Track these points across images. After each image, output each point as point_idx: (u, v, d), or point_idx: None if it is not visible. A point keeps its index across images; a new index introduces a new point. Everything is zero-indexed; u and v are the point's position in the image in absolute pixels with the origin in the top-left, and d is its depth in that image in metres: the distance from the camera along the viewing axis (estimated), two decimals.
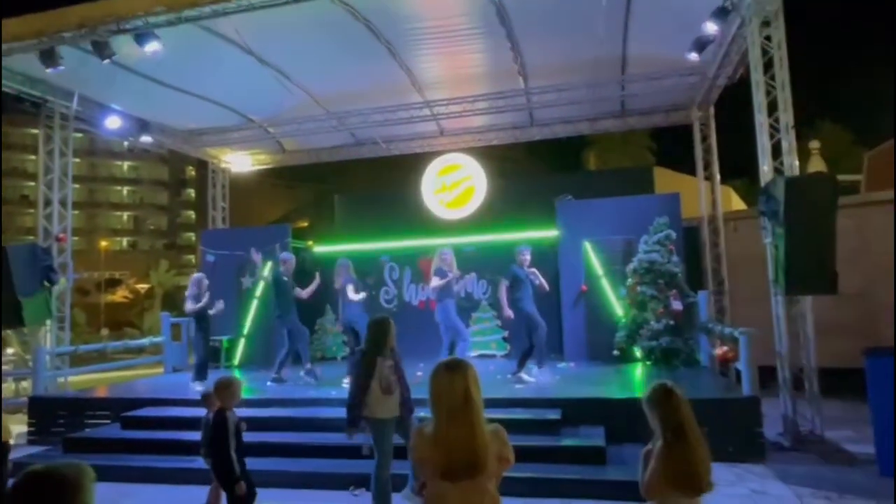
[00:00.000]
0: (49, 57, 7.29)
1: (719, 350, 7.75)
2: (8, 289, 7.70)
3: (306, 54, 8.58)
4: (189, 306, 8.03)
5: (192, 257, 51.91)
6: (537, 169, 29.43)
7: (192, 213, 60.40)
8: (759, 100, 6.69)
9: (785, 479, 5.30)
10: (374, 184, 25.02)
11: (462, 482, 2.21)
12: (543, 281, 7.74)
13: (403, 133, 11.68)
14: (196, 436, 4.89)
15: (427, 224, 10.86)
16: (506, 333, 10.18)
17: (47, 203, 9.33)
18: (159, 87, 9.12)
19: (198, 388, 7.53)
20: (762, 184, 6.54)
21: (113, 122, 9.60)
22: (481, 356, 9.98)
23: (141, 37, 7.07)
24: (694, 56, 7.86)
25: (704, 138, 10.51)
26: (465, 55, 8.88)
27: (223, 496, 4.42)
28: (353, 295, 7.75)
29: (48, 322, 8.85)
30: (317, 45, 8.30)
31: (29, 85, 8.61)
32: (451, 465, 2.21)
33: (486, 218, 10.58)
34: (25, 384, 10.84)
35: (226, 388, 4.27)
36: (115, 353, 11.65)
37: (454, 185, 11.03)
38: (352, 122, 10.98)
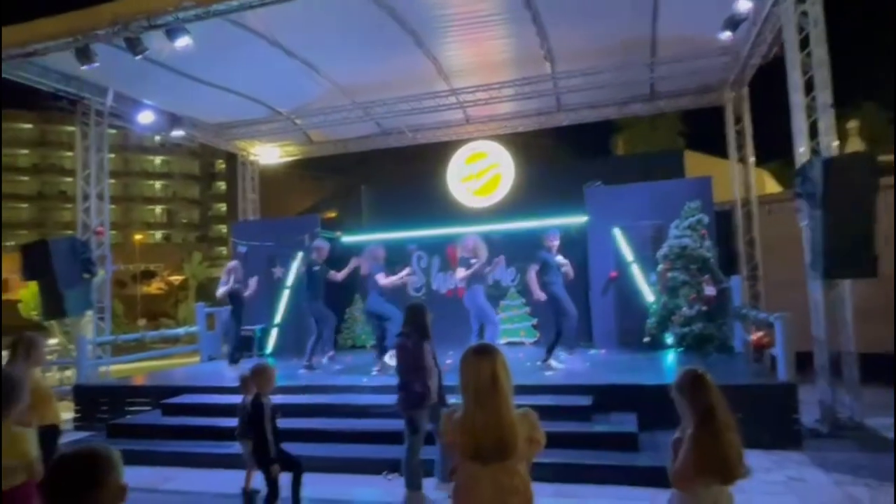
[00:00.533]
0: (84, 54, 7.47)
1: (755, 336, 7.61)
2: (51, 281, 7.99)
3: (332, 45, 8.62)
4: (219, 291, 8.34)
5: (223, 249, 52.92)
6: (565, 155, 29.13)
7: (222, 206, 61.57)
8: (795, 79, 6.49)
9: (823, 466, 5.21)
10: (399, 175, 25.08)
11: (493, 464, 2.23)
12: (570, 269, 7.69)
13: (429, 122, 11.67)
14: (233, 422, 5.02)
15: (455, 212, 10.85)
16: (535, 321, 10.17)
17: (85, 198, 9.60)
18: (190, 81, 9.28)
19: (231, 372, 7.78)
20: (798, 165, 6.36)
21: (146, 118, 9.81)
22: (510, 343, 9.98)
23: (171, 32, 7.20)
24: (726, 35, 7.64)
25: (737, 120, 10.23)
26: (490, 41, 8.81)
27: (258, 477, 4.56)
28: (385, 280, 7.80)
29: (89, 313, 9.15)
30: (342, 36, 8.34)
31: (64, 83, 8.84)
32: (479, 449, 2.23)
33: (514, 205, 10.52)
34: (69, 373, 11.25)
35: (261, 374, 4.43)
36: (152, 343, 11.99)
37: (481, 173, 11.00)
38: (378, 112, 11.01)
